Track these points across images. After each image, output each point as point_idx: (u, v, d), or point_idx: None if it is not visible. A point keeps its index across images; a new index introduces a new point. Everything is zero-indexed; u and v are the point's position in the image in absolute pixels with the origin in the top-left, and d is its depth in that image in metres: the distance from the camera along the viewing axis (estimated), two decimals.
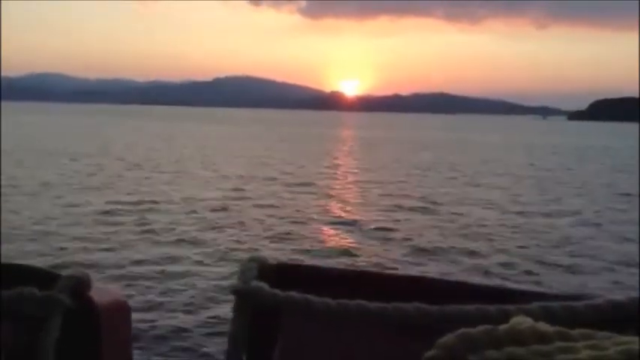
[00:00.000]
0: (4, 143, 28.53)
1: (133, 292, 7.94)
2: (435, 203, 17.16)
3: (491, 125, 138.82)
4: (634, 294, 0.92)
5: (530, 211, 16.31)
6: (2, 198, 14.80)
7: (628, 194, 20.45)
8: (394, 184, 21.91)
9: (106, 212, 13.95)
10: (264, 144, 44.22)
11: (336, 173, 25.76)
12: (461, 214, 15.35)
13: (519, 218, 15.11)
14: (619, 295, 0.93)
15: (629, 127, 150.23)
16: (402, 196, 18.49)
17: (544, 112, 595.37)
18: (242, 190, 18.79)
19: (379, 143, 51.60)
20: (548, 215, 15.66)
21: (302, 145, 44.20)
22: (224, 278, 8.76)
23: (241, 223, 13.28)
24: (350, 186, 21.29)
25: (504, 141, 61.16)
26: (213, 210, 14.83)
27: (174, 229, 12.40)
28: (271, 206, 15.79)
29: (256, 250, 10.67)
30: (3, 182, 17.46)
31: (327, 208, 16.17)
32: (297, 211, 15.17)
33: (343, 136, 68.03)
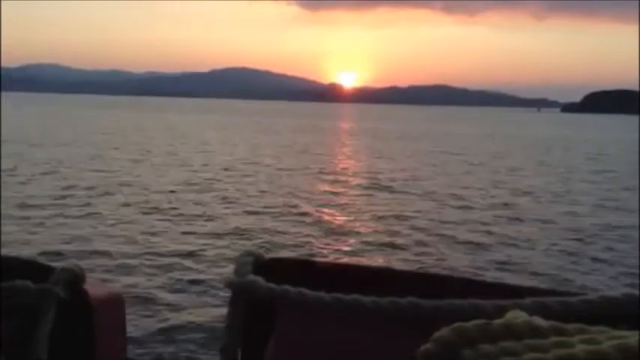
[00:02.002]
0: None
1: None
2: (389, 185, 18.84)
3: (483, 117, 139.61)
4: (628, 290, 0.95)
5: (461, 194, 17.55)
6: None
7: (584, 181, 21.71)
8: (361, 168, 23.30)
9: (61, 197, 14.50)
10: (244, 134, 45.20)
11: (308, 161, 26.78)
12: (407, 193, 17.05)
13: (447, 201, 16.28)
14: (613, 291, 0.96)
15: (618, 119, 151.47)
16: (357, 178, 19.79)
17: (541, 104, 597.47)
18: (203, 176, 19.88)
19: (364, 133, 52.76)
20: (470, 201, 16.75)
21: (283, 135, 45.17)
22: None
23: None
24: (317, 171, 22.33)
25: (486, 132, 62.17)
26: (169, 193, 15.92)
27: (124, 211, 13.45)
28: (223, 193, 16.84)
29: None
30: None
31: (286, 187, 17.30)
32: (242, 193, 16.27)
33: (331, 127, 68.85)
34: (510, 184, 19.79)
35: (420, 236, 11.58)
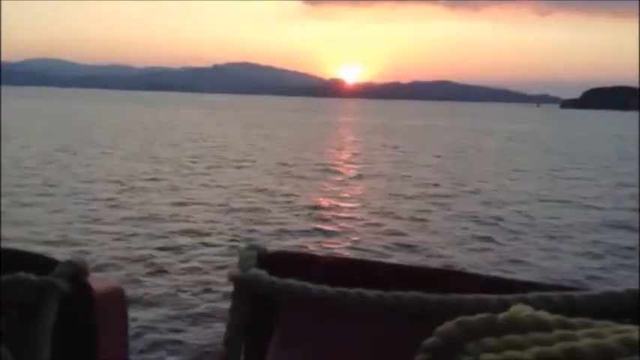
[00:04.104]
0: None
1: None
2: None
3: (478, 113, 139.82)
4: (633, 286, 0.93)
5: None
6: None
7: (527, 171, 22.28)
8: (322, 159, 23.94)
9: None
10: (223, 129, 45.64)
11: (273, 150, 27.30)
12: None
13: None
14: (618, 287, 0.95)
15: (615, 115, 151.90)
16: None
17: (543, 100, 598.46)
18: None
19: (347, 127, 53.29)
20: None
21: (265, 130, 45.64)
22: None
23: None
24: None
25: (474, 127, 62.54)
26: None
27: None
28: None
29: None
30: None
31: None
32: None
33: (321, 121, 69.23)
34: (452, 173, 21.06)
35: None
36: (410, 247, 10.36)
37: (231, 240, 10.36)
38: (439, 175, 20.21)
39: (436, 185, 17.70)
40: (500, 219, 12.86)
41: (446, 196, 15.69)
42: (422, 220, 12.58)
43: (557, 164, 25.53)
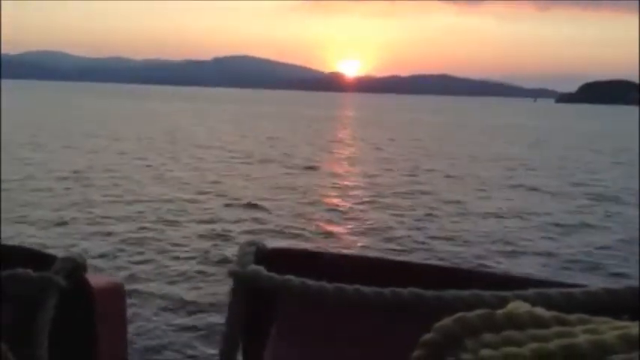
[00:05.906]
0: None
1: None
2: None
3: (471, 107, 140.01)
4: (631, 283, 0.94)
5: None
6: None
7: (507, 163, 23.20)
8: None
9: None
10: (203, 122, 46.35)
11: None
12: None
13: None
14: (616, 284, 0.94)
15: (612, 110, 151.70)
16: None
17: (541, 94, 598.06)
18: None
19: (330, 121, 54.02)
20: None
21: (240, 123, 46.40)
22: None
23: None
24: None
25: (451, 122, 63.20)
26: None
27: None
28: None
29: None
30: None
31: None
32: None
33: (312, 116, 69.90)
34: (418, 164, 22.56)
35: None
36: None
37: None
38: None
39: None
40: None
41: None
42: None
43: (520, 156, 26.68)
